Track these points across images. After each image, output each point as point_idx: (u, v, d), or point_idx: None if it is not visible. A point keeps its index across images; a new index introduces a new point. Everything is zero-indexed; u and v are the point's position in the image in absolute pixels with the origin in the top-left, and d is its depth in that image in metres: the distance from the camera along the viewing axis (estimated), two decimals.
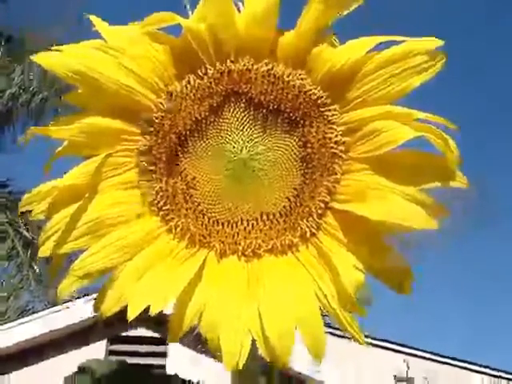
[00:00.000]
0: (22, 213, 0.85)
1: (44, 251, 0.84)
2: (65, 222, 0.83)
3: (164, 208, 0.86)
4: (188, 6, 0.84)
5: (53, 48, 0.83)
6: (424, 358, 9.68)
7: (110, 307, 0.82)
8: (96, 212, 0.84)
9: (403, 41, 0.79)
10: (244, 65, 0.84)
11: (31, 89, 12.77)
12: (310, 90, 0.83)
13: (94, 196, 0.84)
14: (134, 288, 0.81)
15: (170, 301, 0.80)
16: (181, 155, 0.87)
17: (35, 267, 12.49)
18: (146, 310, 0.80)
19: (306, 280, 0.82)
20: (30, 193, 0.84)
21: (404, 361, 9.22)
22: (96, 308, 0.83)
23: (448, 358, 9.85)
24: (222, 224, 0.86)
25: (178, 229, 0.86)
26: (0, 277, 13.38)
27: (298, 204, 0.85)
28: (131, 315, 0.79)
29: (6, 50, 13.15)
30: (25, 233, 12.48)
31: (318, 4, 0.80)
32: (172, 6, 0.83)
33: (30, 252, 12.51)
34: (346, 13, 0.81)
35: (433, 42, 0.79)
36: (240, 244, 0.85)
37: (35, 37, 13.00)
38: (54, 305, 8.60)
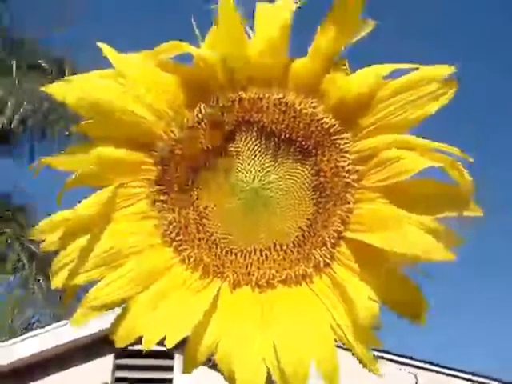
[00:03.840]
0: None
1: (56, 282, 0.83)
2: (77, 253, 0.83)
3: (177, 239, 0.86)
4: (198, 35, 0.83)
5: (63, 78, 0.83)
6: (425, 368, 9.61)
7: (124, 338, 0.82)
8: (109, 243, 0.83)
9: (417, 68, 0.79)
10: (255, 93, 0.84)
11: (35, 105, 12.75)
12: (322, 118, 0.83)
13: (107, 227, 0.84)
14: (148, 319, 0.81)
15: (185, 333, 0.79)
16: (192, 185, 0.86)
17: (41, 281, 12.47)
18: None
19: (320, 310, 0.81)
20: (41, 223, 0.83)
21: (414, 375, 9.15)
22: (110, 338, 0.82)
23: (443, 367, 9.78)
24: (235, 254, 0.86)
25: (192, 259, 0.86)
26: (5, 290, 13.37)
27: (312, 234, 0.85)
28: (147, 347, 0.79)
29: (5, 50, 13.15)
30: (30, 245, 12.47)
31: (329, 31, 0.79)
32: (182, 33, 0.83)
33: (35, 265, 12.49)
34: (357, 39, 0.81)
35: (446, 69, 0.78)
36: (253, 275, 0.85)
37: (35, 37, 13.05)
38: (60, 319, 8.58)
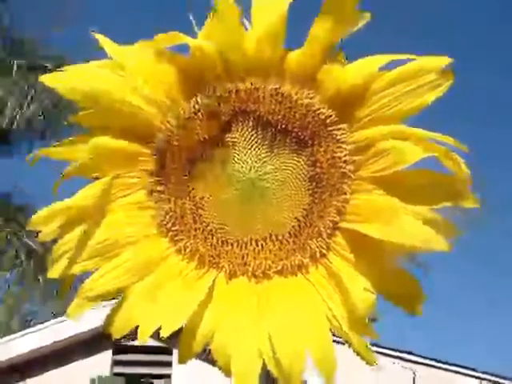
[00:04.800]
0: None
1: (53, 272, 0.83)
2: (74, 244, 0.83)
3: (173, 229, 0.86)
4: (195, 25, 0.83)
5: (60, 69, 0.83)
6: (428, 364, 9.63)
7: (120, 329, 0.82)
8: (105, 233, 0.83)
9: (413, 59, 0.79)
10: (252, 84, 0.84)
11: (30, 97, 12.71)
12: (319, 109, 0.83)
13: (103, 217, 0.84)
14: (144, 309, 0.81)
15: (180, 323, 0.79)
16: (189, 175, 0.86)
17: (39, 277, 12.48)
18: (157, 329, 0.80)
19: (316, 301, 0.81)
20: (37, 214, 0.83)
21: (412, 371, 9.17)
22: (106, 329, 0.83)
23: (441, 362, 9.81)
24: (231, 244, 0.86)
25: (188, 250, 0.86)
26: (2, 287, 13.39)
27: (308, 224, 0.84)
28: (142, 337, 0.79)
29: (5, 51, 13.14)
30: (29, 242, 12.48)
31: (325, 22, 0.79)
32: (179, 24, 0.83)
33: (33, 261, 12.50)
34: (353, 30, 0.81)
35: (443, 60, 0.78)
36: (249, 265, 0.85)
37: (35, 37, 13.05)
38: (58, 315, 8.59)
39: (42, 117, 12.60)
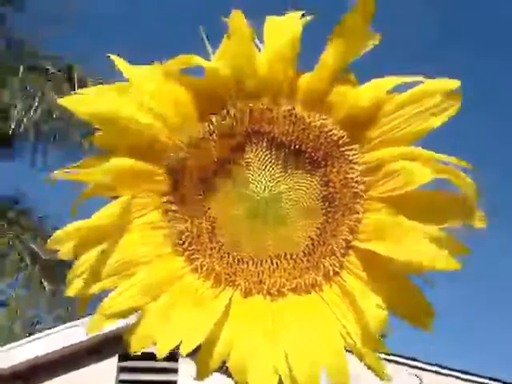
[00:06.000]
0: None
1: (71, 291, 0.85)
2: (92, 263, 0.84)
3: (189, 248, 0.88)
4: (209, 47, 0.85)
5: (76, 91, 0.84)
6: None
7: (138, 346, 0.84)
8: (122, 252, 0.85)
9: (422, 81, 0.80)
10: (265, 104, 0.85)
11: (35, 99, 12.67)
12: (331, 130, 0.84)
13: (120, 236, 0.85)
14: (161, 328, 0.83)
15: (198, 342, 0.81)
16: (204, 195, 0.88)
17: (44, 282, 12.47)
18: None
19: (330, 319, 0.83)
20: (54, 234, 0.85)
21: (416, 376, 9.14)
22: (124, 346, 0.84)
23: (447, 368, 9.73)
24: (247, 263, 0.87)
25: (204, 268, 0.87)
26: (8, 291, 13.39)
27: (321, 243, 0.86)
28: (160, 355, 0.81)
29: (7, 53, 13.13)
30: (32, 246, 12.46)
31: (336, 46, 0.80)
32: (192, 46, 0.84)
33: (38, 266, 12.49)
34: (364, 51, 0.82)
35: (451, 83, 0.80)
36: (265, 283, 0.87)
37: (35, 38, 13.05)
38: (63, 321, 8.58)
39: (47, 120, 12.57)
